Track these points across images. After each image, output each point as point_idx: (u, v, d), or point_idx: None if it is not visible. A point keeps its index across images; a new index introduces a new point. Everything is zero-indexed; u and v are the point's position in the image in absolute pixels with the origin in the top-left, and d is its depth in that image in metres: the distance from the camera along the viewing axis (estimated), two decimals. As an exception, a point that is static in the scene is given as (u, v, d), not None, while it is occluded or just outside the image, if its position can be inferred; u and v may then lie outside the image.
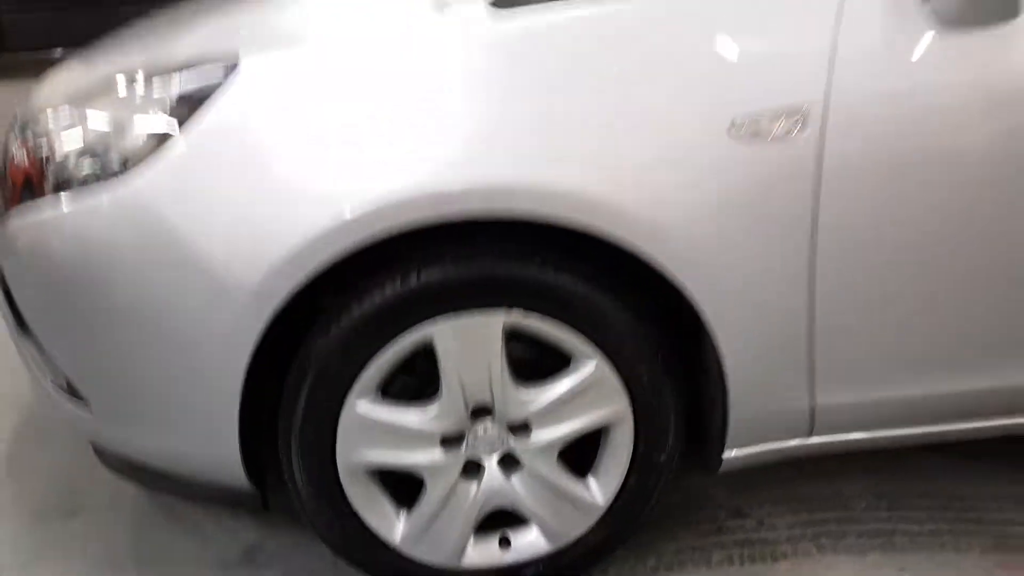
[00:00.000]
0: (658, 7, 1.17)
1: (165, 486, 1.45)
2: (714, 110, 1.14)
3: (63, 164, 1.23)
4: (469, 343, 1.23)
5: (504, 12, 1.20)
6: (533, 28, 1.18)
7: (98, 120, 1.22)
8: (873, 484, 1.68)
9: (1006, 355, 1.32)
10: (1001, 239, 1.23)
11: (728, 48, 1.15)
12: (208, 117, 1.16)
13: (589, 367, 1.26)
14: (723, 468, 1.38)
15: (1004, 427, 1.44)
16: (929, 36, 1.15)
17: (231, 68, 1.18)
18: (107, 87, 1.26)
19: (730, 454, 1.36)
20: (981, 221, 1.21)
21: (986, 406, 1.40)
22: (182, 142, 1.16)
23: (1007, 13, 1.13)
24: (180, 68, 1.20)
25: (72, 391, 1.35)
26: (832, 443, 1.40)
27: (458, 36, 1.20)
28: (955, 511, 1.62)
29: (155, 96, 1.20)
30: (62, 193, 1.21)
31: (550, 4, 1.19)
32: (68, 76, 1.51)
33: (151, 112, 1.19)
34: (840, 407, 1.34)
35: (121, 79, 1.25)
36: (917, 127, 1.16)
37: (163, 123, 1.17)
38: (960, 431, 1.43)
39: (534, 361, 1.28)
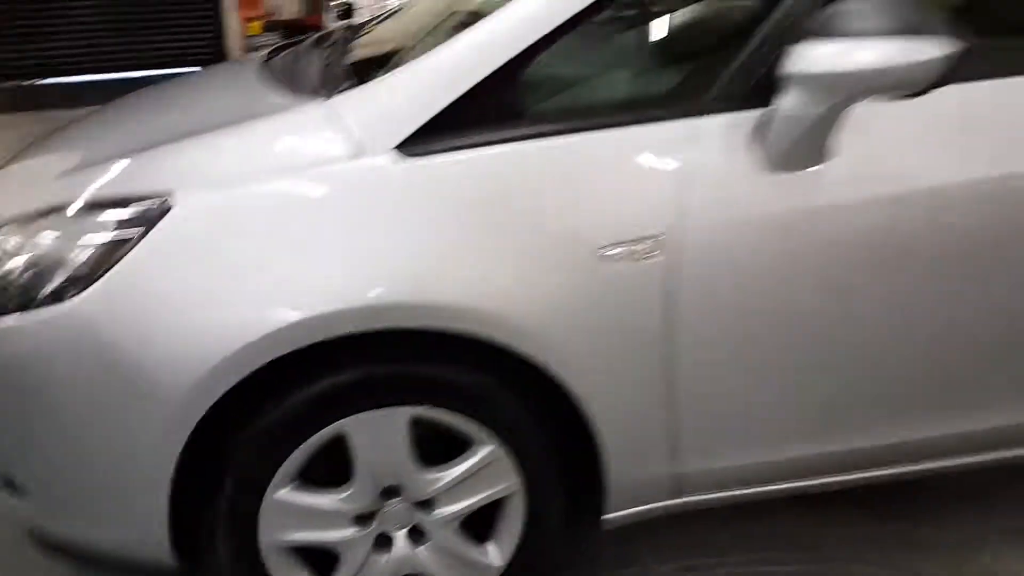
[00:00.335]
0: (531, 155, 1.38)
1: (100, 564, 1.57)
2: (582, 237, 1.35)
3: (6, 281, 1.36)
4: (378, 435, 1.40)
5: (407, 158, 1.37)
6: (433, 170, 1.36)
7: (41, 243, 1.36)
8: (743, 530, 1.91)
9: (836, 424, 1.57)
10: (824, 333, 1.47)
11: (595, 185, 1.37)
12: (142, 247, 1.31)
13: (485, 450, 1.45)
14: (607, 526, 1.59)
15: (850, 481, 1.69)
16: (762, 175, 1.38)
17: (164, 206, 1.33)
18: (53, 210, 1.39)
19: (611, 515, 1.56)
20: (807, 319, 1.45)
21: (832, 465, 1.65)
22: (117, 269, 1.30)
23: (817, 160, 1.38)
24: (119, 202, 1.35)
25: (10, 484, 1.47)
26: (699, 501, 1.62)
27: (360, 179, 1.37)
28: (812, 552, 1.86)
29: (95, 224, 1.34)
30: (6, 311, 1.35)
31: (450, 152, 1.36)
32: (14, 187, 1.63)
33: (91, 240, 1.33)
34: (701, 472, 1.56)
35: (69, 205, 1.39)
36: (755, 248, 1.39)
37: (100, 251, 1.32)
38: (810, 486, 1.67)
39: (440, 438, 1.46)
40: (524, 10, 1.40)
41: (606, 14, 1.44)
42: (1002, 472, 1.86)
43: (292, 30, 5.99)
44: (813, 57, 1.24)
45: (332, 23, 5.68)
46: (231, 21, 6.49)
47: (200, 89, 2.09)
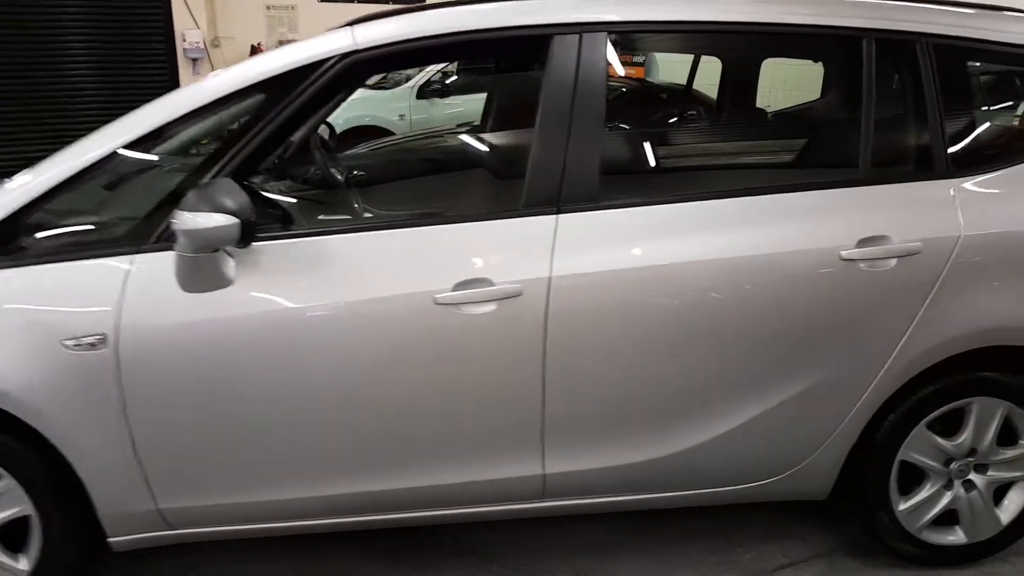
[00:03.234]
0: (22, 275, 1.95)
1: None
2: (53, 332, 1.88)
3: None
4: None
5: None
6: None
7: None
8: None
9: (289, 477, 2.06)
10: (254, 403, 1.97)
11: (64, 296, 1.91)
12: None
13: (2, 483, 1.99)
14: (116, 548, 2.10)
15: (344, 524, 2.18)
16: (183, 294, 1.89)
17: None
18: None
19: (115, 539, 2.08)
20: (241, 392, 1.96)
21: (316, 510, 2.13)
22: None
23: (219, 285, 1.91)
24: None
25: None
26: (197, 534, 2.13)
27: None
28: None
29: None
30: None
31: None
32: None
33: None
34: (179, 511, 2.06)
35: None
36: (183, 345, 1.92)
37: None
38: (306, 526, 2.17)
39: None
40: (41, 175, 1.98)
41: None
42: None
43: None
44: (180, 219, 1.79)
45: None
46: None
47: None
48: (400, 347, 1.97)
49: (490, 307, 1.96)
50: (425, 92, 8.40)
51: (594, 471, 2.14)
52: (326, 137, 2.99)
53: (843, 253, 2.04)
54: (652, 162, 2.48)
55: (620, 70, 2.73)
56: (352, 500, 2.11)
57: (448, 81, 8.44)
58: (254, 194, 2.08)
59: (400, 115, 8.34)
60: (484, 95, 8.63)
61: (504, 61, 2.91)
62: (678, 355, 2.06)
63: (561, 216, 2.01)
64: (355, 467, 2.08)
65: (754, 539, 2.55)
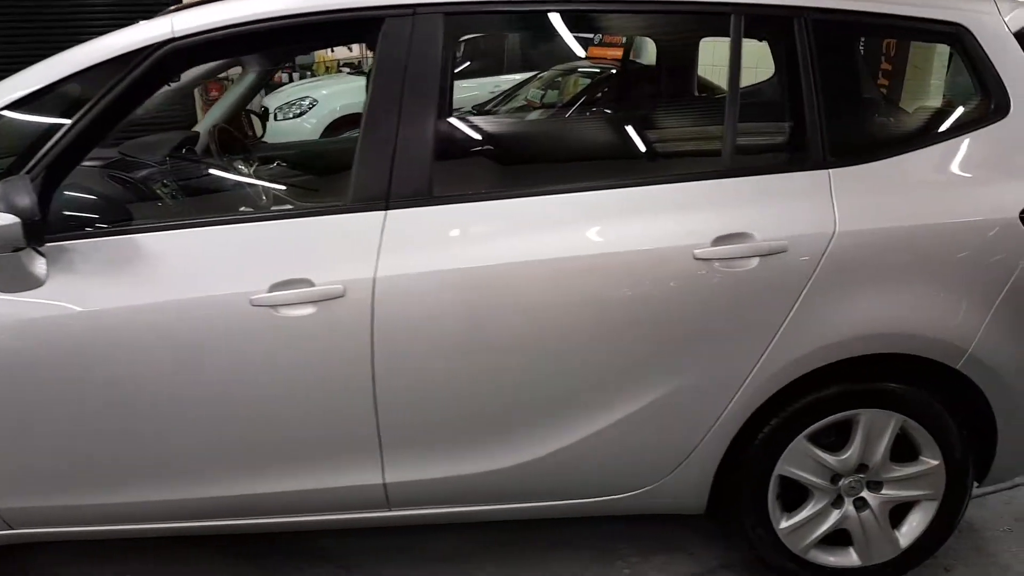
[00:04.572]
0: None
1: None
2: None
3: None
4: None
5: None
6: None
7: None
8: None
9: (113, 482, 1.99)
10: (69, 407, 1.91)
11: None
12: None
13: None
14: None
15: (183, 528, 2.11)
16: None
17: None
18: None
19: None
20: (63, 394, 1.90)
21: (154, 514, 2.05)
22: None
23: (30, 286, 1.83)
24: None
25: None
26: (35, 534, 2.08)
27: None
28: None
29: None
30: None
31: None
32: None
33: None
34: (14, 511, 2.01)
35: None
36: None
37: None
38: (144, 530, 2.10)
39: None
40: None
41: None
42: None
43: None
44: None
45: None
46: None
47: None
48: (218, 350, 1.88)
49: (309, 309, 1.85)
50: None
51: (437, 481, 2.02)
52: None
53: (697, 252, 1.87)
54: (497, 153, 2.32)
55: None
56: (186, 506, 2.03)
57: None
58: (84, 188, 2.02)
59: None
60: (475, 81, 8.55)
61: (337, 46, 2.76)
62: (516, 362, 1.91)
63: (390, 212, 1.88)
64: (184, 473, 2.00)
65: (637, 552, 2.40)
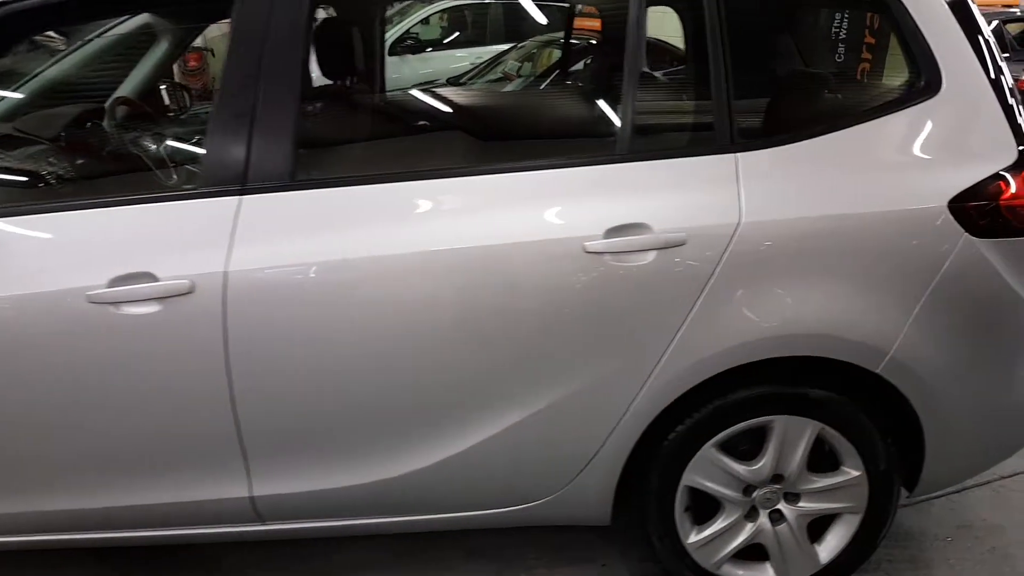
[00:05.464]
0: None
1: None
2: None
3: None
4: None
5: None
6: None
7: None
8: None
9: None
10: None
11: None
12: None
13: None
14: None
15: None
16: None
17: None
18: None
19: None
20: None
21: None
22: None
23: None
24: None
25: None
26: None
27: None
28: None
29: None
30: None
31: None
32: None
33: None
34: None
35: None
36: None
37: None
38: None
39: None
40: None
41: None
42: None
43: None
44: None
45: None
46: None
47: None
48: (57, 351, 1.69)
49: (153, 307, 1.67)
50: (397, 49, 8.02)
51: (309, 494, 1.84)
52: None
53: (588, 245, 1.68)
54: (368, 133, 2.12)
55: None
56: (38, 519, 1.86)
57: (422, 37, 8.05)
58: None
59: (372, 73, 8.00)
60: (462, 51, 8.36)
61: (189, 15, 2.53)
62: (387, 365, 1.73)
63: (245, 198, 1.68)
64: (37, 483, 1.82)
65: (544, 564, 2.23)
